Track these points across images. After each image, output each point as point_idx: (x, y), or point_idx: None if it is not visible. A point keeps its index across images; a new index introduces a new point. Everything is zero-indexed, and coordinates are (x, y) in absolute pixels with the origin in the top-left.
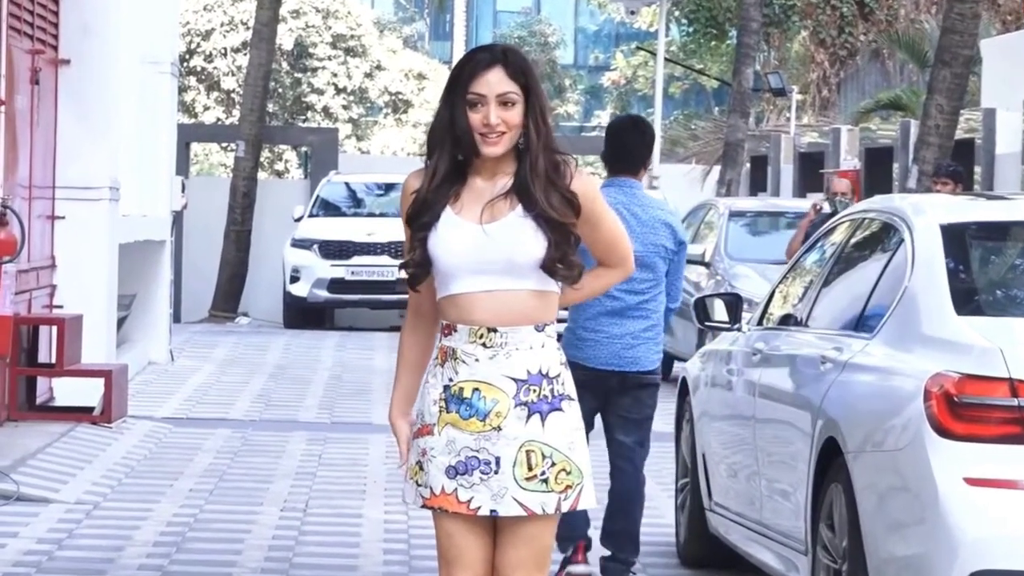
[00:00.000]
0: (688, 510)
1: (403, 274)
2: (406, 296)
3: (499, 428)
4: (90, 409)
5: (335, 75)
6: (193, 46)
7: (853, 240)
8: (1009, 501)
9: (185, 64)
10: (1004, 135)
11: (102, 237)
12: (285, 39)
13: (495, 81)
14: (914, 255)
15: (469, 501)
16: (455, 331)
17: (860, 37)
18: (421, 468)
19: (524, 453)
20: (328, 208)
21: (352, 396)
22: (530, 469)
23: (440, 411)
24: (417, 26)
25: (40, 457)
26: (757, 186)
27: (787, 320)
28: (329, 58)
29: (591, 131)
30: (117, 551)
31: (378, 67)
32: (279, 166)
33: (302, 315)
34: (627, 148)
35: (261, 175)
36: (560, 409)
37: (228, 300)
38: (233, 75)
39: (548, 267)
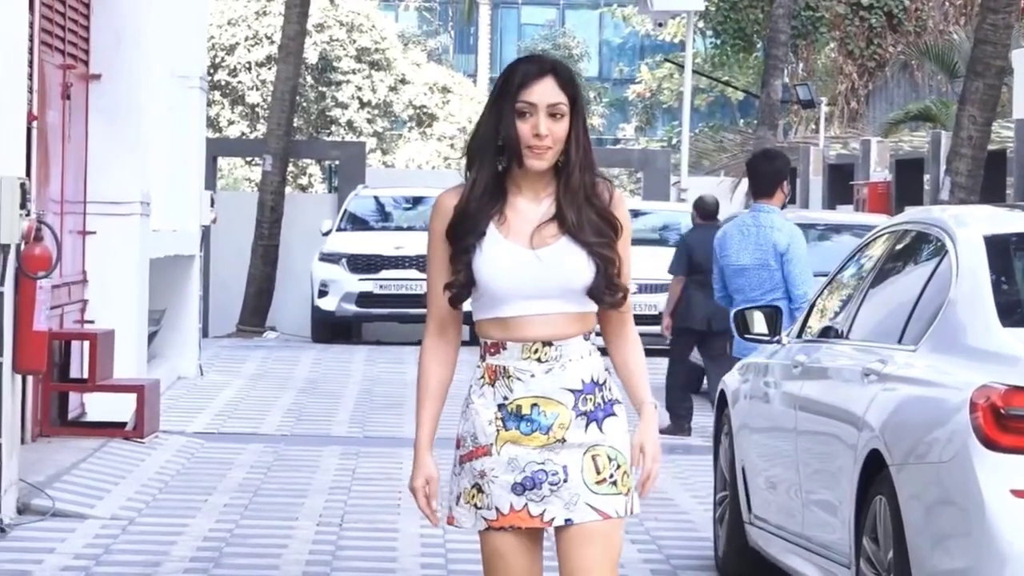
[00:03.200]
0: (727, 523)
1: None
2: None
3: (563, 440)
4: (122, 424)
5: (359, 89)
6: (218, 60)
7: (894, 252)
8: None
9: (210, 78)
10: None
11: (133, 252)
12: (310, 53)
13: (546, 91)
14: (958, 266)
15: (542, 514)
16: (504, 349)
17: (889, 49)
18: (480, 490)
19: (590, 459)
20: (356, 222)
21: (384, 410)
22: (598, 473)
23: (498, 431)
24: (441, 39)
25: (74, 473)
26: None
27: (828, 332)
28: (354, 72)
29: (615, 144)
30: (154, 567)
31: (402, 81)
32: (303, 180)
33: (330, 329)
34: (758, 175)
35: (287, 189)
36: (614, 414)
37: (256, 315)
38: (257, 89)
39: (595, 293)
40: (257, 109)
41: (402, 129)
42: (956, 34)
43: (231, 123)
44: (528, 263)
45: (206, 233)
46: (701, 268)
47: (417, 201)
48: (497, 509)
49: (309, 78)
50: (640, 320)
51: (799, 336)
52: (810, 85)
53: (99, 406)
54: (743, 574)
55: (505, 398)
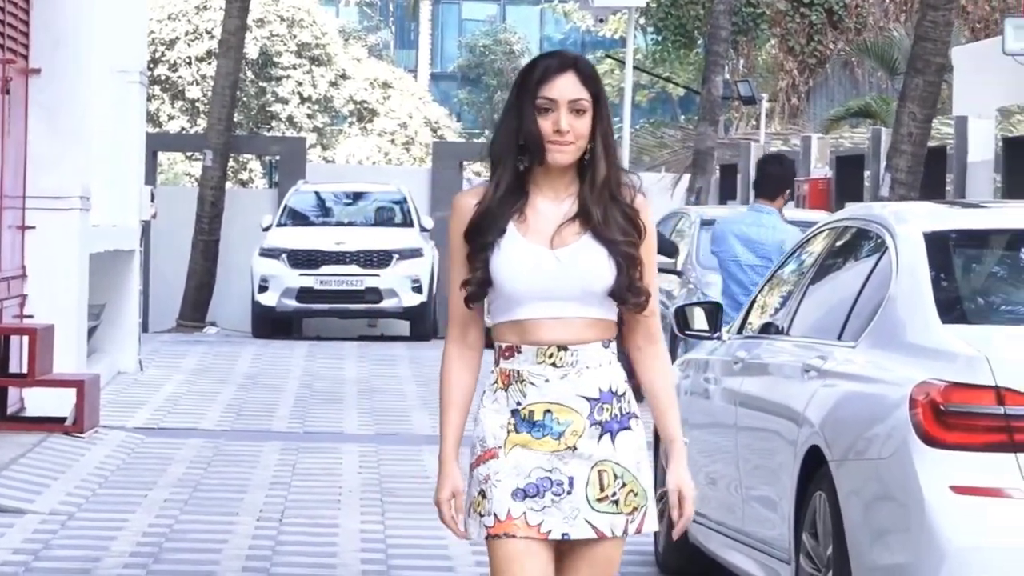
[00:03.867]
0: (667, 520)
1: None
2: (375, 305)
3: (574, 448)
4: (62, 420)
5: (300, 84)
6: (158, 55)
7: (834, 248)
8: (995, 510)
9: (150, 73)
10: (976, 143)
11: (73, 247)
12: (250, 48)
13: (567, 86)
14: (897, 263)
15: (540, 525)
16: (519, 352)
17: (829, 45)
18: (484, 496)
19: (596, 473)
20: (296, 217)
21: (324, 405)
22: (602, 490)
23: (508, 433)
24: (382, 35)
25: (13, 468)
26: (727, 194)
27: (768, 328)
28: (294, 67)
29: None
30: (94, 562)
31: (343, 76)
32: (243, 175)
33: (270, 325)
34: (765, 176)
35: (227, 185)
36: (629, 428)
37: (196, 310)
38: (198, 84)
39: (617, 294)
40: (197, 104)
41: (342, 125)
42: (896, 31)
43: (171, 118)
44: (547, 263)
45: (146, 228)
46: None
47: (358, 196)
48: (495, 515)
49: (249, 73)
50: None
51: (739, 332)
52: (751, 82)
53: (38, 401)
54: (683, 570)
55: (518, 403)
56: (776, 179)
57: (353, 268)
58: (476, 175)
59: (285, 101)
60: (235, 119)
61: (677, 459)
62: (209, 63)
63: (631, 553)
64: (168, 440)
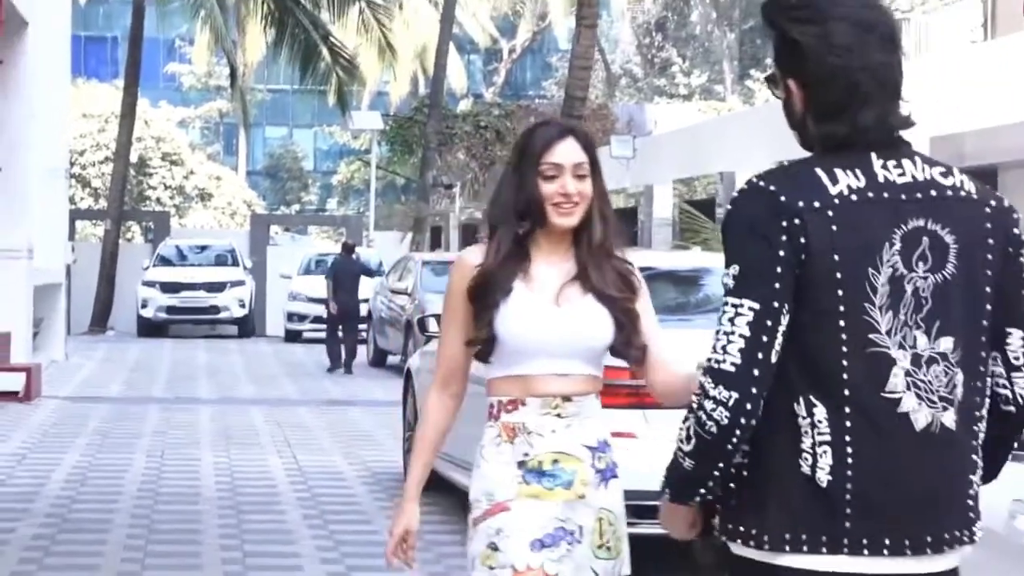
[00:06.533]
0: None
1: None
2: (216, 316)
3: (583, 496)
4: (16, 393)
5: (164, 178)
6: (73, 160)
7: None
8: (632, 444)
9: (70, 169)
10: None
11: (23, 282)
12: (133, 155)
13: (570, 151)
14: None
15: (557, 575)
16: (523, 404)
17: (498, 152)
18: (496, 549)
19: (597, 521)
20: (164, 261)
21: (185, 380)
22: (601, 536)
23: (519, 485)
24: (215, 146)
25: None
26: (436, 245)
27: None
28: (160, 167)
29: (324, 212)
30: (41, 486)
31: (192, 172)
32: (130, 235)
33: (149, 329)
34: None
35: (120, 241)
36: (616, 476)
37: (101, 319)
38: (99, 178)
39: (616, 350)
40: (99, 191)
41: (191, 203)
42: None
43: (82, 199)
44: (555, 319)
45: (69, 269)
46: (340, 280)
47: (203, 248)
48: (512, 567)
49: (132, 171)
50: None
51: None
52: (449, 175)
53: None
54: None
55: (526, 454)
56: None
57: (201, 292)
58: (280, 232)
59: (155, 188)
60: (124, 200)
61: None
62: (107, 164)
63: (385, 475)
64: (87, 405)
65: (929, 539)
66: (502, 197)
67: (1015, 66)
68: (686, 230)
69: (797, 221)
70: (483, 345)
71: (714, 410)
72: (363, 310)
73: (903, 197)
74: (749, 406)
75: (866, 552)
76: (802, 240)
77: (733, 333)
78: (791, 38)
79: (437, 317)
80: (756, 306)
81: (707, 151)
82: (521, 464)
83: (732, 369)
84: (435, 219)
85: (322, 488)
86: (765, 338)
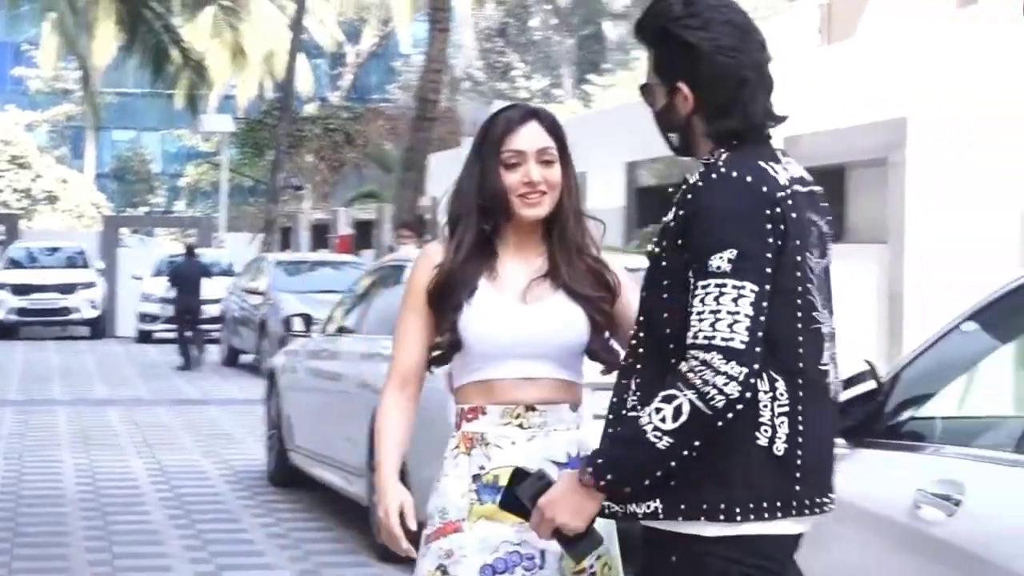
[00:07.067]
0: (275, 451)
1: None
2: (67, 317)
3: None
4: None
5: (11, 181)
6: None
7: (389, 277)
8: None
9: None
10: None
11: None
12: None
13: (533, 136)
14: None
15: None
16: (483, 413)
17: (348, 154)
18: (445, 573)
19: None
20: (15, 263)
21: (40, 382)
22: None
23: (472, 504)
24: (62, 149)
25: None
26: (286, 245)
27: (344, 330)
28: (8, 170)
29: (171, 214)
30: None
31: (39, 175)
32: None
33: (0, 331)
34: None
35: None
36: None
37: None
38: None
39: (592, 353)
40: None
41: (39, 206)
42: (387, 146)
43: None
44: (522, 319)
45: None
46: (183, 280)
47: (54, 250)
48: None
49: None
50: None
51: (324, 332)
52: (299, 176)
53: None
54: (286, 482)
55: (482, 467)
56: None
57: (53, 294)
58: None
59: (2, 191)
60: None
61: None
62: None
63: (250, 471)
64: None
65: (830, 497)
66: (463, 189)
67: (852, 70)
68: None
69: (778, 209)
70: (447, 350)
71: (726, 384)
72: (211, 310)
73: (801, 189)
74: (754, 381)
75: (806, 512)
76: (781, 227)
77: (738, 313)
78: (686, 43)
79: (302, 316)
80: (756, 288)
81: None
82: (476, 478)
83: (742, 347)
84: (285, 220)
85: (186, 487)
86: (762, 318)
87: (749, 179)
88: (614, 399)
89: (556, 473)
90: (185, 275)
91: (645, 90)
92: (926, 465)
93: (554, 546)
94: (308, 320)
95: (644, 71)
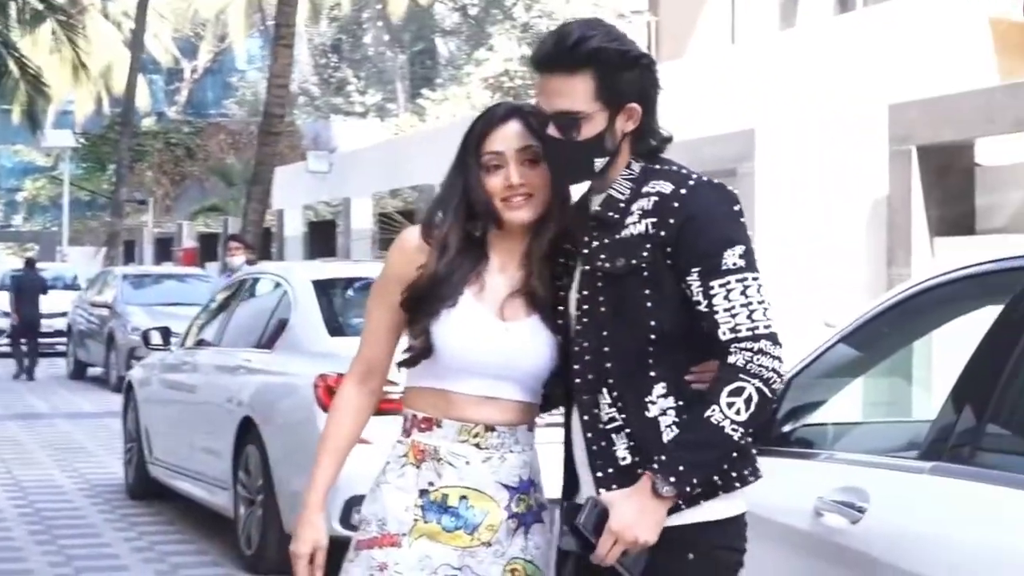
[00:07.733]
0: (134, 464)
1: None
2: None
3: (488, 544)
4: None
5: None
6: None
7: (251, 290)
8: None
9: None
10: (293, 226)
11: None
12: None
13: (513, 135)
14: (295, 298)
15: None
16: (438, 426)
17: (189, 168)
18: None
19: (510, 573)
20: None
21: None
22: None
23: (415, 520)
24: None
25: None
26: (129, 259)
27: (203, 343)
28: None
29: (10, 228)
30: None
31: None
32: None
33: None
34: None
35: None
36: (541, 520)
37: None
38: None
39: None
40: None
41: None
42: (230, 159)
43: None
44: (499, 340)
45: None
46: (23, 293)
47: None
48: None
49: None
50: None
51: (182, 345)
52: (141, 190)
53: None
54: (145, 495)
55: (431, 484)
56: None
57: None
58: None
59: None
60: None
61: None
62: None
63: (107, 485)
64: None
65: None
66: (445, 190)
67: (685, 87)
68: (386, 240)
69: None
70: (419, 355)
71: (780, 366)
72: (56, 323)
73: None
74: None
75: (760, 475)
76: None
77: (764, 301)
78: (634, 61)
79: (160, 330)
80: (759, 276)
81: (404, 165)
82: (424, 493)
83: (776, 331)
84: (128, 234)
85: (44, 503)
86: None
87: (716, 181)
88: (584, 417)
89: (506, 498)
90: (26, 288)
91: (568, 120)
92: (823, 472)
93: (495, 572)
94: (167, 333)
95: (554, 101)
